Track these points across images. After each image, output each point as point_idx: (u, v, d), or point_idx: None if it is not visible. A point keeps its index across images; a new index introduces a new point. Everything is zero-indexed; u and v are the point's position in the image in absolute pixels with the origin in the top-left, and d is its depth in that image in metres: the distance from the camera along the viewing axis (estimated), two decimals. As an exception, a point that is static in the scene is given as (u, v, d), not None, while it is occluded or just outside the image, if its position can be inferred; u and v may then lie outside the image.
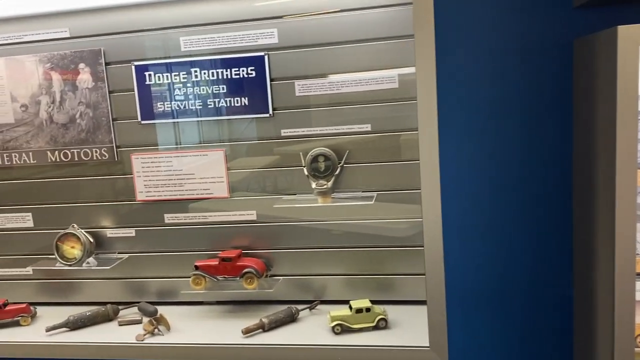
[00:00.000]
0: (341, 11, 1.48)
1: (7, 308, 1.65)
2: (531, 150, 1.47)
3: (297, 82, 1.54)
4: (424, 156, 1.23)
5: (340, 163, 1.53)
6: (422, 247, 1.52)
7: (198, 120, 1.61)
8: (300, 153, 1.56)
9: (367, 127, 1.52)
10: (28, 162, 1.70)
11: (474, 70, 1.45)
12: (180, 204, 1.66)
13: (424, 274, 1.53)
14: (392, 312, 1.51)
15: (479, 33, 1.43)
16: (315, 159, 1.54)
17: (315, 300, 1.62)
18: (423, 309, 1.52)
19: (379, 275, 1.59)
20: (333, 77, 1.51)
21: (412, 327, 1.46)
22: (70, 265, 1.67)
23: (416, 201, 1.53)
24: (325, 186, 1.53)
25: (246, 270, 1.56)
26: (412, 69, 1.46)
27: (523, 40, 1.43)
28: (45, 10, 1.59)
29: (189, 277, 1.60)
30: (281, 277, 1.64)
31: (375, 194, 1.53)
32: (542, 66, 1.44)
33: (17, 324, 1.65)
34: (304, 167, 1.55)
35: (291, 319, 1.54)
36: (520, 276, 1.54)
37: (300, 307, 1.58)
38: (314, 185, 1.54)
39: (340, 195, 1.55)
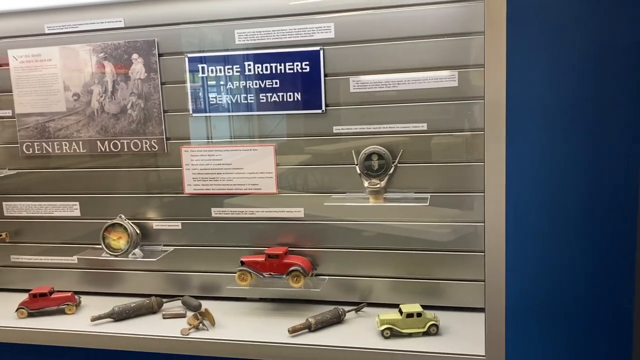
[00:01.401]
0: (401, 6, 1.43)
1: (53, 296, 1.65)
2: (598, 156, 1.41)
3: (351, 78, 1.50)
4: (489, 159, 1.18)
5: (394, 162, 1.49)
6: (475, 252, 1.49)
7: (249, 115, 1.59)
8: (353, 151, 1.52)
9: (424, 126, 1.47)
10: (78, 151, 1.71)
11: (544, 70, 1.39)
12: (227, 198, 1.64)
13: (475, 280, 1.50)
14: (441, 319, 1.46)
15: (551, 32, 1.37)
16: (368, 157, 1.50)
17: (362, 302, 1.58)
18: (472, 315, 1.49)
19: (427, 279, 1.55)
20: (390, 74, 1.47)
21: (463, 334, 1.41)
22: (116, 256, 1.67)
23: (470, 205, 1.48)
24: (378, 185, 1.49)
25: (293, 268, 1.54)
26: (473, 68, 1.41)
27: (596, 40, 1.37)
28: (101, 0, 1.58)
29: (234, 273, 1.58)
30: (327, 277, 1.61)
31: (429, 195, 1.49)
32: (615, 66, 1.38)
33: (62, 312, 1.65)
34: (356, 165, 1.52)
35: (338, 320, 1.50)
36: (579, 287, 1.48)
37: (346, 308, 1.54)
38: (366, 184, 1.50)
39: (393, 196, 1.51)
